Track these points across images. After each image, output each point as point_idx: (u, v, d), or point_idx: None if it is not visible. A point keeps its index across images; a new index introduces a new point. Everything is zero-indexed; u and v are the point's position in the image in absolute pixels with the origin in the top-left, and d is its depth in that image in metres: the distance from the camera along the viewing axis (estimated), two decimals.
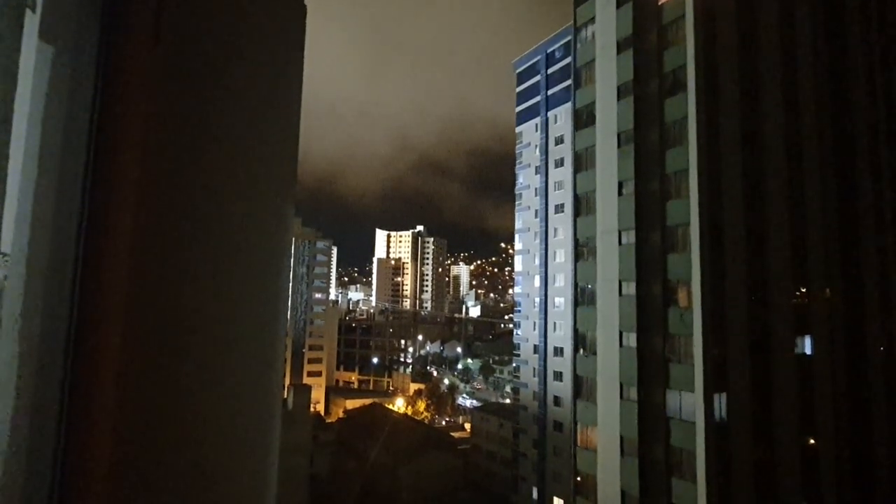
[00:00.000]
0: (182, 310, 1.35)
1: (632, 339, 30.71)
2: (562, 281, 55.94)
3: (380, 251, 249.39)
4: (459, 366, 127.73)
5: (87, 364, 1.19)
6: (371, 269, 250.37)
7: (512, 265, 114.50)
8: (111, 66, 1.30)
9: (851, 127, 36.82)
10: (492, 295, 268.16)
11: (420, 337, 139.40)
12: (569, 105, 49.78)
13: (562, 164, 58.54)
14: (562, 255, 56.42)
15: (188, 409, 1.35)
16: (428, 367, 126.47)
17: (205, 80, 1.47)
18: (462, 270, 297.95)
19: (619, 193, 32.47)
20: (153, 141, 1.34)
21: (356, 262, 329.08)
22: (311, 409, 64.43)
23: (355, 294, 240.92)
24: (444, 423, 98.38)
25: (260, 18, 1.62)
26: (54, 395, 1.15)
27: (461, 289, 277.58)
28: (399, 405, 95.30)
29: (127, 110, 1.30)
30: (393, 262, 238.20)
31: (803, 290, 32.72)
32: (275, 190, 1.64)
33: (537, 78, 64.45)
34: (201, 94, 1.46)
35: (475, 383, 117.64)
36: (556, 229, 58.65)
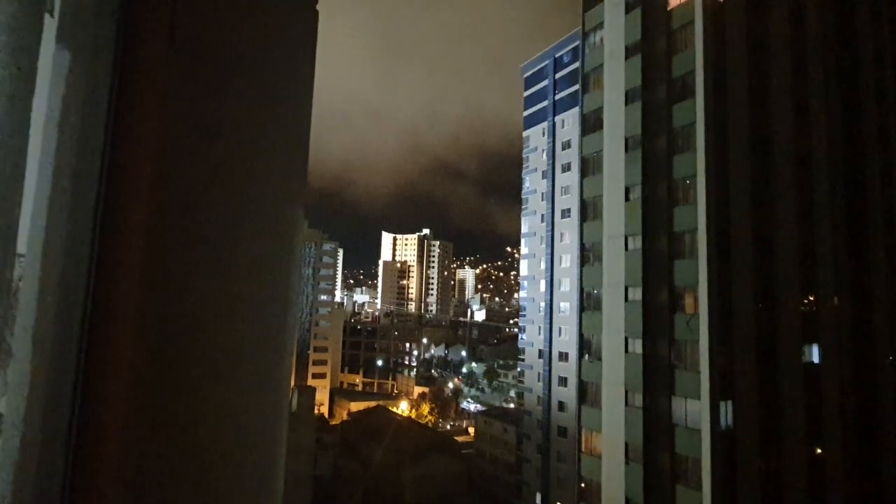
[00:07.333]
0: (193, 310, 1.37)
1: (637, 345, 30.58)
2: (567, 286, 55.83)
3: (386, 254, 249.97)
4: (464, 369, 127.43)
5: (100, 364, 1.21)
6: (377, 272, 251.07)
7: (517, 269, 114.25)
8: (127, 69, 1.32)
9: (862, 133, 36.59)
10: (497, 299, 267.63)
11: (425, 340, 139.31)
12: (576, 110, 49.78)
13: (569, 169, 58.51)
14: (568, 260, 56.33)
15: (197, 408, 1.36)
16: (432, 371, 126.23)
17: (217, 84, 1.49)
18: (467, 274, 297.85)
19: (627, 198, 32.40)
20: (166, 143, 1.36)
21: (362, 265, 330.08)
22: (315, 411, 64.52)
23: (361, 296, 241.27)
24: (447, 426, 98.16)
25: (272, 23, 1.64)
26: (66, 394, 1.17)
27: (466, 292, 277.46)
28: (403, 408, 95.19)
29: (141, 113, 1.32)
30: (398, 264, 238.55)
31: (811, 298, 32.48)
32: (285, 191, 1.65)
33: (545, 82, 64.50)
34: (214, 97, 1.48)
35: (479, 386, 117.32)
36: (562, 234, 58.57)
